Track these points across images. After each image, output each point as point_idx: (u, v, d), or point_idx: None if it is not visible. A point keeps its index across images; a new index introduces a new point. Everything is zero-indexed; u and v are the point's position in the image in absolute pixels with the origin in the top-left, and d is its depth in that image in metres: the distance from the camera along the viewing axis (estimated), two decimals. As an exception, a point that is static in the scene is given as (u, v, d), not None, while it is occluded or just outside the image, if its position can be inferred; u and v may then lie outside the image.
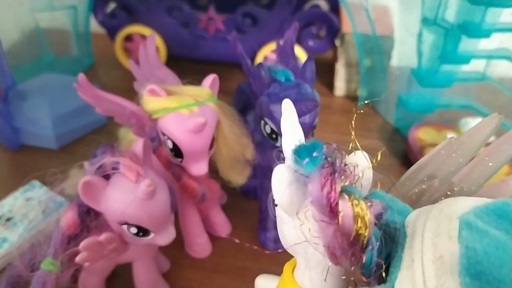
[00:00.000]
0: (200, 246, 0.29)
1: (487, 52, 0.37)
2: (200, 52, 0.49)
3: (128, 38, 0.49)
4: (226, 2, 0.48)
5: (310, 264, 0.16)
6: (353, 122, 0.17)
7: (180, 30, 0.48)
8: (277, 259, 0.30)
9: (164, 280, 0.27)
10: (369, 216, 0.13)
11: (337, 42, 0.46)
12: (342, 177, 0.14)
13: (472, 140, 0.17)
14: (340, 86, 0.48)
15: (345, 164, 0.14)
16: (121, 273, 0.26)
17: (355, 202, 0.13)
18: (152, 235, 0.21)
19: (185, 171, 0.25)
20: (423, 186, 0.17)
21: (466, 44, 0.36)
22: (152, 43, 0.28)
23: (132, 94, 0.25)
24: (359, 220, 0.13)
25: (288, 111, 0.17)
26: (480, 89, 0.42)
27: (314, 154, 0.14)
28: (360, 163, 0.15)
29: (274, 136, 0.25)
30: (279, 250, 0.30)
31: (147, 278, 0.25)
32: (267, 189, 0.28)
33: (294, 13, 0.46)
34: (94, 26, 0.50)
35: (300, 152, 0.14)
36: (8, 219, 0.30)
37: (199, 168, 0.25)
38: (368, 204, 0.13)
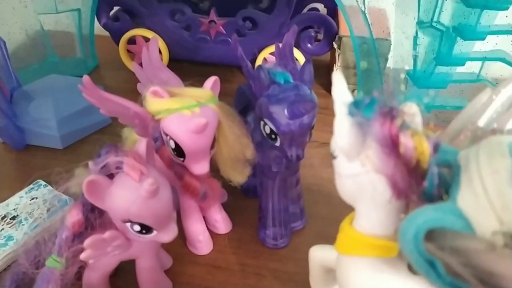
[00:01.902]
0: (201, 243, 0.30)
1: (482, 54, 0.38)
2: (202, 54, 0.50)
3: (132, 40, 0.50)
4: (227, 6, 0.48)
5: (371, 206, 0.17)
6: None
7: (182, 33, 0.49)
8: (276, 255, 0.30)
9: (167, 276, 0.27)
10: (427, 145, 0.15)
11: (335, 45, 0.46)
12: (399, 116, 0.15)
13: (509, 89, 0.18)
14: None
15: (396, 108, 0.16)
16: (125, 269, 0.26)
17: (414, 133, 0.15)
18: (155, 232, 0.22)
19: (187, 170, 0.26)
20: (468, 133, 0.18)
21: (461, 46, 0.36)
22: (155, 46, 0.29)
23: (135, 96, 0.25)
24: (419, 149, 0.15)
25: (338, 81, 0.19)
26: (475, 90, 0.43)
27: (370, 98, 0.15)
28: (409, 110, 0.16)
29: (273, 136, 0.25)
30: (279, 247, 0.31)
31: (150, 275, 0.26)
32: (267, 187, 0.29)
33: (293, 17, 0.47)
34: (98, 28, 0.50)
35: (356, 104, 0.16)
36: (14, 218, 0.30)
37: (201, 167, 0.25)
38: (427, 138, 0.15)
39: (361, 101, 0.16)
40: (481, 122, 0.18)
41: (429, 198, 0.15)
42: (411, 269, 0.17)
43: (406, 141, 0.15)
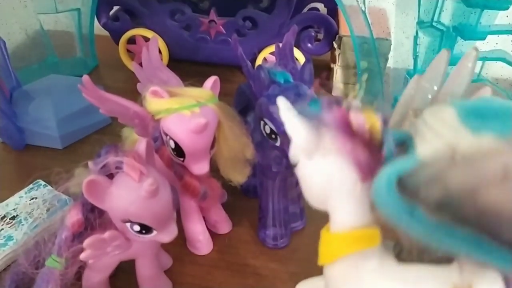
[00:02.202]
0: (201, 243, 0.30)
1: (482, 54, 0.38)
2: (202, 54, 0.50)
3: (131, 40, 0.50)
4: (227, 5, 0.48)
5: (343, 197, 0.17)
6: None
7: (182, 33, 0.49)
8: (276, 255, 0.30)
9: (166, 277, 0.27)
10: (375, 117, 0.16)
11: (335, 45, 0.46)
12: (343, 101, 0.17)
13: (432, 74, 0.20)
14: (337, 87, 0.48)
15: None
16: (124, 269, 0.26)
17: (361, 110, 0.16)
18: (154, 232, 0.22)
19: (187, 170, 0.26)
20: (410, 117, 0.19)
21: (462, 46, 0.36)
22: (154, 46, 0.29)
23: (135, 95, 0.25)
24: (369, 121, 0.16)
25: (283, 107, 0.19)
26: (475, 90, 0.43)
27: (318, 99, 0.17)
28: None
29: (273, 136, 0.25)
30: (279, 247, 0.31)
31: (149, 275, 0.26)
32: (267, 187, 0.29)
33: (293, 16, 0.47)
34: (98, 28, 0.50)
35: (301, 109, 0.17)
36: (13, 218, 0.30)
37: (201, 167, 0.25)
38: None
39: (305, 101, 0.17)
40: (418, 104, 0.20)
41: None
42: (399, 257, 0.17)
43: (356, 117, 0.16)
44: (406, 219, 0.14)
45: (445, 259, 0.16)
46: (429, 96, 0.20)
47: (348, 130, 0.16)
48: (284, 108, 0.18)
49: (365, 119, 0.16)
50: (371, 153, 0.16)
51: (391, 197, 0.14)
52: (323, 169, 0.17)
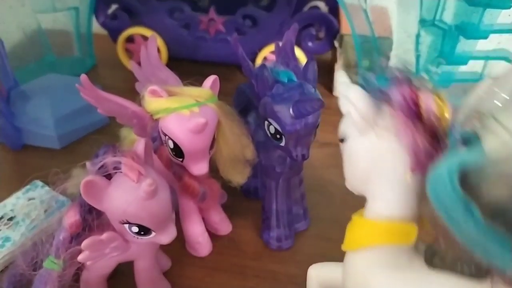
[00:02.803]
0: (200, 244, 0.29)
1: (485, 53, 0.37)
2: (201, 53, 0.50)
3: (130, 39, 0.49)
4: (226, 3, 0.48)
5: (388, 184, 0.16)
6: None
7: (181, 32, 0.49)
8: (277, 257, 0.30)
9: (165, 278, 0.27)
10: (447, 104, 0.14)
11: (336, 43, 0.46)
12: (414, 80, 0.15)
13: (505, 82, 0.19)
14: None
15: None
16: (123, 271, 0.26)
17: (432, 94, 0.15)
18: (153, 234, 0.22)
19: (186, 171, 0.26)
20: (475, 121, 0.17)
21: (464, 45, 0.36)
22: (153, 45, 0.29)
23: (133, 95, 0.25)
24: (440, 109, 0.14)
25: (341, 77, 0.19)
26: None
27: (396, 75, 0.15)
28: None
29: (278, 136, 0.25)
30: (283, 248, 0.30)
31: (148, 276, 0.26)
32: (270, 188, 0.29)
33: (294, 15, 0.47)
34: (96, 27, 0.50)
35: (367, 77, 0.16)
36: (11, 219, 0.30)
37: (200, 167, 0.25)
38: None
39: (372, 69, 0.16)
40: (484, 108, 0.18)
41: None
42: (430, 262, 0.16)
43: (426, 100, 0.14)
44: (461, 216, 0.12)
45: (478, 274, 0.15)
46: (497, 103, 0.18)
47: (414, 112, 0.15)
48: (343, 80, 0.17)
49: (435, 104, 0.15)
50: (432, 141, 0.15)
51: (450, 189, 0.12)
52: (374, 148, 0.16)
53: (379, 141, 0.16)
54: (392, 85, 0.15)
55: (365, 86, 0.16)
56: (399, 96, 0.15)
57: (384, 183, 0.17)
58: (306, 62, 0.26)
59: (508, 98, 0.18)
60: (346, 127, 0.18)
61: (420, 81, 0.15)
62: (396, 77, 0.16)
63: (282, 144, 0.25)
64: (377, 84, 0.16)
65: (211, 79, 0.25)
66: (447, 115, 0.15)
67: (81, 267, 0.23)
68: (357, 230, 0.18)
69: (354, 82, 0.18)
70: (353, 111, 0.16)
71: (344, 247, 0.19)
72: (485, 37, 0.35)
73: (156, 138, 0.26)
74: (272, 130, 0.25)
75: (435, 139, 0.15)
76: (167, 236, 0.22)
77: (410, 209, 0.16)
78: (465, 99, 0.20)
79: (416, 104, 0.14)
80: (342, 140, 0.18)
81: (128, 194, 0.20)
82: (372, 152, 0.16)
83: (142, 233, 0.21)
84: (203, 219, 0.30)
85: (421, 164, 0.15)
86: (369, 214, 0.18)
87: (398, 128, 0.15)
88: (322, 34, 0.48)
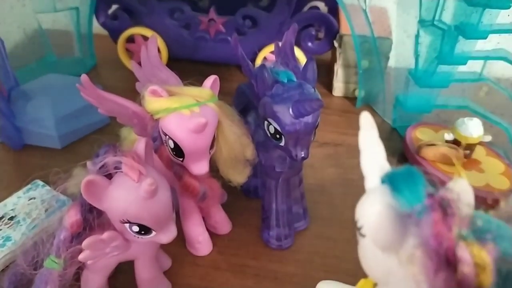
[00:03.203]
0: (201, 244, 0.29)
1: (484, 53, 0.37)
2: (201, 53, 0.50)
3: (130, 39, 0.49)
4: (226, 4, 0.48)
5: None
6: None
7: (181, 32, 0.49)
8: (276, 256, 0.30)
9: (166, 278, 0.27)
10: (490, 266, 0.12)
11: (336, 44, 0.46)
12: (455, 218, 0.12)
13: None
14: (338, 86, 0.48)
15: (450, 201, 0.13)
16: (123, 270, 0.26)
17: (475, 250, 0.12)
18: (153, 233, 0.22)
19: (186, 171, 0.26)
20: None
21: (463, 45, 0.36)
22: (153, 45, 0.29)
23: (134, 95, 0.25)
24: (480, 273, 0.12)
25: (367, 126, 0.16)
26: (477, 90, 0.43)
27: (425, 195, 0.12)
28: (462, 191, 0.13)
29: (278, 136, 0.25)
30: (283, 248, 0.30)
31: (148, 276, 0.26)
32: (270, 188, 0.29)
33: (293, 15, 0.47)
34: (97, 27, 0.50)
35: (399, 187, 0.13)
36: (11, 218, 0.30)
37: (200, 167, 0.25)
38: (486, 248, 0.12)
39: (404, 180, 0.13)
40: None
41: None
42: None
43: (466, 262, 0.12)
44: None
45: None
46: None
47: (447, 262, 0.12)
48: (371, 169, 0.15)
49: (475, 263, 0.12)
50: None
51: None
52: (394, 271, 0.14)
53: (400, 268, 0.14)
54: (425, 214, 0.12)
55: (395, 196, 0.13)
56: (433, 240, 0.12)
57: None
58: (306, 62, 0.26)
59: None
60: (363, 225, 0.15)
61: (460, 216, 0.12)
62: (433, 203, 0.12)
63: (282, 144, 0.25)
64: (407, 207, 0.13)
65: (211, 79, 0.25)
66: (488, 276, 0.12)
67: (81, 267, 0.23)
68: None
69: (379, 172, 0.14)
70: (374, 235, 0.14)
71: None
72: (484, 37, 0.35)
73: (156, 138, 0.26)
74: (272, 130, 0.25)
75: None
76: (168, 235, 0.22)
77: None
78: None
79: (451, 257, 0.12)
80: (359, 230, 0.15)
81: (129, 193, 0.20)
82: (391, 270, 0.14)
83: (143, 232, 0.21)
84: (203, 218, 0.30)
85: None
86: None
87: (424, 269, 0.12)
88: (321, 34, 0.48)
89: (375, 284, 0.17)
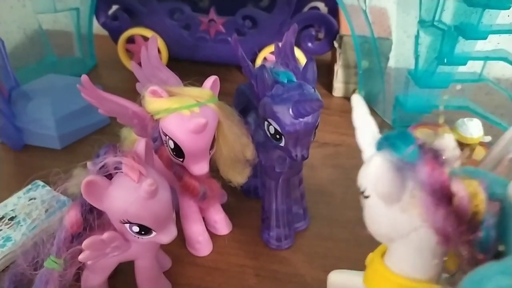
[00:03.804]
0: (201, 244, 0.29)
1: (484, 53, 0.37)
2: (201, 53, 0.50)
3: (130, 40, 0.49)
4: (227, 4, 0.48)
5: (409, 250, 0.16)
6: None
7: (181, 32, 0.49)
8: (276, 256, 0.30)
9: (166, 278, 0.27)
10: (482, 194, 0.13)
11: (336, 44, 0.46)
12: (445, 160, 0.14)
13: None
14: (338, 87, 0.48)
15: (438, 148, 0.15)
16: (123, 270, 0.26)
17: (467, 181, 0.13)
18: (154, 233, 0.22)
19: (186, 171, 0.26)
20: (506, 163, 0.17)
21: (463, 46, 0.36)
22: (154, 45, 0.29)
23: (134, 95, 0.25)
24: (474, 199, 0.13)
25: (358, 105, 0.18)
26: (477, 90, 0.43)
27: (416, 142, 0.14)
28: (447, 145, 0.15)
29: (278, 136, 0.25)
30: (283, 248, 0.30)
31: (149, 276, 0.26)
32: (270, 188, 0.29)
33: (293, 15, 0.47)
34: (97, 27, 0.50)
35: (393, 142, 0.15)
36: (12, 218, 0.30)
37: (200, 167, 0.25)
38: (476, 180, 0.14)
39: (399, 139, 0.14)
40: None
41: (483, 249, 0.14)
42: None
43: (460, 191, 0.13)
44: None
45: None
46: None
47: (445, 201, 0.13)
48: (365, 139, 0.16)
49: (470, 195, 0.13)
50: (463, 229, 0.14)
51: None
52: (398, 221, 0.15)
53: (404, 215, 0.15)
54: (419, 159, 0.14)
55: (387, 151, 0.15)
56: (429, 180, 0.13)
57: (403, 249, 0.16)
58: (306, 63, 0.26)
59: None
60: (366, 185, 0.16)
61: (448, 161, 0.14)
62: (423, 149, 0.14)
63: (282, 144, 0.25)
64: (403, 156, 0.14)
65: (211, 80, 0.25)
66: (482, 204, 0.13)
67: (82, 267, 0.23)
68: (376, 274, 0.18)
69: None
70: (377, 187, 0.15)
71: (364, 282, 0.19)
72: (484, 38, 0.35)
73: (156, 138, 0.26)
74: (272, 130, 0.25)
75: (467, 223, 0.14)
76: (168, 235, 0.22)
77: (429, 274, 0.16)
78: (495, 144, 0.18)
79: (448, 192, 0.13)
80: (363, 193, 0.17)
81: (129, 194, 0.20)
82: (395, 223, 0.16)
83: (143, 232, 0.21)
84: (203, 218, 0.30)
85: (449, 244, 0.14)
86: (389, 263, 0.17)
87: (427, 210, 0.14)
88: (321, 35, 0.48)
89: (383, 254, 0.18)
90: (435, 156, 0.14)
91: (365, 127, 0.17)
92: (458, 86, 0.37)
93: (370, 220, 0.17)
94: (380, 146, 0.16)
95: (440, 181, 0.14)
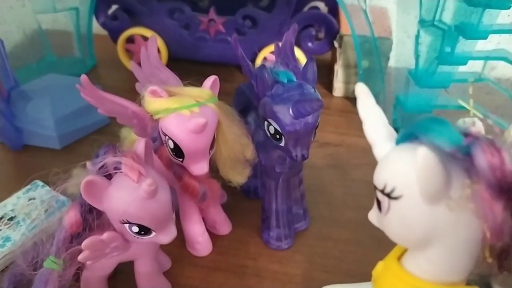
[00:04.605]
0: (201, 244, 0.29)
1: (484, 53, 0.37)
2: (201, 53, 0.50)
3: (130, 39, 0.49)
4: (226, 4, 0.48)
5: (447, 250, 0.14)
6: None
7: (181, 32, 0.49)
8: (276, 257, 0.30)
9: (165, 278, 0.27)
10: None
11: (336, 44, 0.46)
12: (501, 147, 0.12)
13: None
14: (338, 87, 0.48)
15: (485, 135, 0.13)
16: (123, 271, 0.26)
17: None
18: (153, 234, 0.22)
19: (186, 171, 0.26)
20: None
21: (464, 46, 0.36)
22: (153, 45, 0.29)
23: (134, 95, 0.25)
24: None
25: (363, 95, 0.16)
26: (477, 90, 0.43)
27: (470, 132, 0.12)
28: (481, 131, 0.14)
29: (278, 136, 0.25)
30: (283, 248, 0.30)
31: (148, 276, 0.26)
32: (270, 188, 0.29)
33: (293, 15, 0.47)
34: (96, 27, 0.50)
35: (430, 127, 0.13)
36: (11, 218, 0.30)
37: (200, 167, 0.25)
38: None
39: (429, 122, 0.13)
40: None
41: None
42: None
43: None
44: None
45: None
46: None
47: (507, 187, 0.12)
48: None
49: None
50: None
51: None
52: (443, 221, 0.13)
53: (451, 214, 0.13)
54: (474, 148, 0.12)
55: (433, 146, 0.13)
56: (488, 167, 0.12)
57: (440, 250, 0.14)
58: (306, 63, 0.26)
59: None
60: (400, 184, 0.14)
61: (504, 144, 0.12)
62: (476, 137, 0.12)
63: (282, 144, 0.25)
64: (451, 146, 0.12)
65: (211, 79, 0.25)
66: None
67: (81, 267, 0.23)
68: (399, 283, 0.16)
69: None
70: (423, 180, 0.13)
71: None
72: (485, 38, 0.35)
73: (156, 138, 0.26)
74: (272, 130, 0.25)
75: None
76: (167, 236, 0.22)
77: (465, 274, 0.15)
78: None
79: (507, 177, 0.12)
80: (389, 194, 0.14)
81: (129, 194, 0.20)
82: (438, 223, 0.14)
83: (143, 233, 0.21)
84: (203, 219, 0.30)
85: (501, 238, 0.13)
86: (415, 269, 0.15)
87: (480, 203, 0.12)
88: (321, 35, 0.48)
89: (398, 259, 0.16)
90: (492, 143, 0.12)
91: (375, 120, 0.16)
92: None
93: (400, 225, 0.15)
94: (404, 137, 0.14)
95: (501, 169, 0.12)
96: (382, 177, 0.15)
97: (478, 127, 0.14)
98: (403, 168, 0.14)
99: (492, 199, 0.12)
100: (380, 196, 0.15)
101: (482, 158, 0.12)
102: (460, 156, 0.13)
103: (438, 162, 0.13)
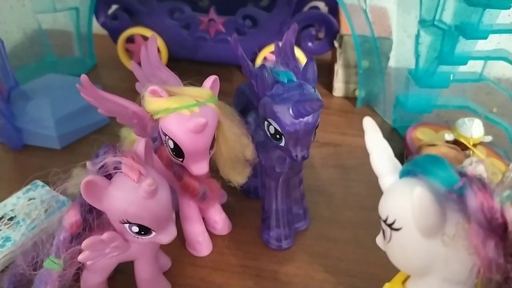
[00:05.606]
0: (201, 244, 0.29)
1: (484, 53, 0.37)
2: (201, 53, 0.50)
3: (130, 39, 0.49)
4: (227, 4, 0.48)
5: (445, 283, 0.15)
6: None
7: (181, 32, 0.49)
8: (276, 257, 0.30)
9: (165, 278, 0.27)
10: None
11: (336, 44, 0.46)
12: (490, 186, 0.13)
13: None
14: (338, 87, 0.48)
15: (480, 175, 0.14)
16: (123, 271, 0.26)
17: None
18: (153, 233, 0.22)
19: (186, 171, 0.26)
20: None
21: (464, 45, 0.36)
22: (153, 45, 0.29)
23: (134, 95, 0.25)
24: None
25: (370, 129, 0.17)
26: (477, 90, 0.43)
27: (466, 173, 0.13)
28: (481, 171, 0.14)
29: (278, 136, 0.25)
30: (283, 248, 0.30)
31: (148, 276, 0.26)
32: (270, 188, 0.29)
33: (293, 15, 0.47)
34: (97, 27, 0.50)
35: (425, 166, 0.14)
36: (11, 218, 0.30)
37: (200, 167, 0.25)
38: None
39: (425, 161, 0.14)
40: None
41: None
42: None
43: None
44: None
45: None
46: None
47: (497, 226, 0.13)
48: (386, 166, 0.15)
49: None
50: (509, 254, 0.13)
51: None
52: (438, 254, 0.14)
53: (446, 249, 0.14)
54: (466, 191, 0.13)
55: (430, 185, 0.14)
56: (480, 208, 0.13)
57: (446, 281, 0.15)
58: (306, 62, 0.26)
59: None
60: (397, 216, 0.15)
61: (498, 190, 0.13)
62: (469, 178, 0.13)
63: (282, 144, 0.25)
64: (445, 188, 0.13)
65: (211, 79, 0.25)
66: None
67: (81, 267, 0.23)
68: None
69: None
70: (417, 216, 0.14)
71: None
72: (485, 37, 0.35)
73: (156, 138, 0.26)
74: (272, 130, 0.25)
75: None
76: (167, 235, 0.22)
77: None
78: None
79: (500, 221, 0.13)
80: (390, 225, 0.15)
81: (129, 194, 0.20)
82: (435, 255, 0.15)
83: (143, 233, 0.21)
84: (203, 219, 0.30)
85: (493, 271, 0.13)
86: None
87: (475, 240, 0.13)
88: (322, 35, 0.48)
89: (402, 283, 0.17)
90: (483, 185, 0.13)
91: (381, 152, 0.17)
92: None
93: (401, 254, 0.16)
94: (406, 172, 0.15)
95: (492, 211, 0.13)
96: (385, 209, 0.16)
97: (477, 167, 0.15)
98: (402, 203, 0.15)
99: (484, 238, 0.13)
100: (383, 225, 0.16)
101: (473, 200, 0.13)
102: (454, 197, 0.14)
103: (433, 201, 0.13)
